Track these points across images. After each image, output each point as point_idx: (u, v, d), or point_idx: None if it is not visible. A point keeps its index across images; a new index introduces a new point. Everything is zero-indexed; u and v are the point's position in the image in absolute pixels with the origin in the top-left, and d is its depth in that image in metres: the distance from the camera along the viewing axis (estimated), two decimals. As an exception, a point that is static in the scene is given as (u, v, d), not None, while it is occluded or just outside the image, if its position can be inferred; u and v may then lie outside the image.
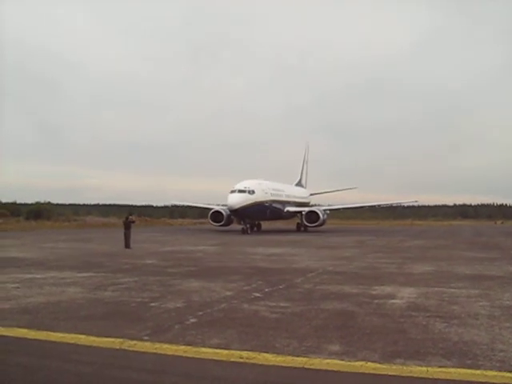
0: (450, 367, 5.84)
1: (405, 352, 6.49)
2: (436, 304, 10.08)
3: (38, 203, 69.66)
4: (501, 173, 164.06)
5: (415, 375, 5.61)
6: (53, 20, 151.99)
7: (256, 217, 45.25)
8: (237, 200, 41.18)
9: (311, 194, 64.33)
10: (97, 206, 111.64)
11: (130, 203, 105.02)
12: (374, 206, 64.60)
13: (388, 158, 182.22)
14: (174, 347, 6.73)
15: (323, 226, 48.94)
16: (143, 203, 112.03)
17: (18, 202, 73.38)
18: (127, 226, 26.66)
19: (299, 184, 65.30)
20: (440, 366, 5.86)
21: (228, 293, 11.42)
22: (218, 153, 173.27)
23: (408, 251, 25.08)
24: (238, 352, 6.48)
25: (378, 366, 5.92)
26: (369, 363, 6.01)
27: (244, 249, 25.70)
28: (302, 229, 50.06)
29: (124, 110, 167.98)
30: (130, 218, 27.62)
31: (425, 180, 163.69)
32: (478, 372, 5.67)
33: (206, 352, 6.52)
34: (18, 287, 12.30)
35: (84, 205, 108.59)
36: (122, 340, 7.09)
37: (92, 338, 7.23)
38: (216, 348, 6.70)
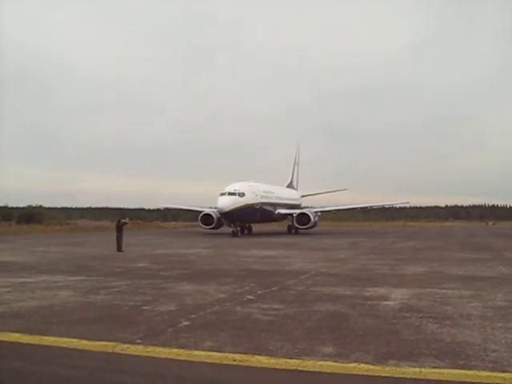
0: (443, 368, 5.86)
1: (398, 353, 6.50)
2: (428, 305, 10.11)
3: (29, 207, 69.21)
4: (492, 174, 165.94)
5: (408, 376, 5.63)
6: (49, 23, 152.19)
7: (246, 219, 45.13)
8: (227, 203, 41.04)
9: (303, 196, 64.07)
10: (89, 209, 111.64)
11: (123, 206, 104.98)
12: (366, 207, 64.54)
13: (381, 160, 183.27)
14: (167, 350, 6.70)
15: (314, 228, 48.89)
16: (136, 206, 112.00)
17: (9, 205, 73.00)
18: (119, 228, 26.59)
19: (290, 186, 65.03)
20: (433, 367, 5.88)
21: (221, 295, 11.40)
22: (211, 155, 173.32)
23: (400, 252, 25.17)
24: (231, 355, 6.47)
25: (371, 367, 5.93)
26: (362, 365, 6.01)
27: (237, 251, 25.68)
28: (293, 231, 49.94)
29: (117, 113, 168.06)
30: (122, 220, 27.61)
31: (417, 181, 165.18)
32: (471, 372, 5.70)
33: (199, 355, 6.50)
34: (10, 291, 12.22)
35: (76, 208, 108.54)
36: (114, 343, 7.06)
37: (85, 342, 7.19)
38: (209, 351, 6.68)
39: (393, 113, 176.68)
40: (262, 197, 45.94)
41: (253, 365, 6.12)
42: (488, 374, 5.66)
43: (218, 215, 44.58)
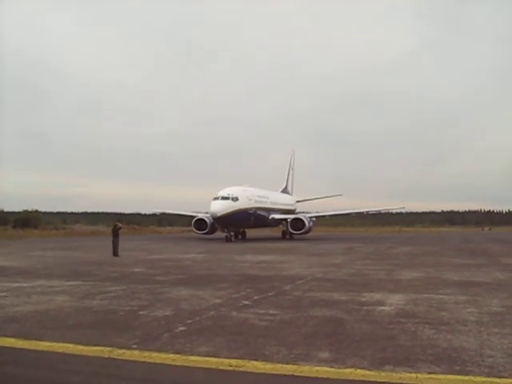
0: (439, 373, 5.86)
1: (394, 359, 6.51)
2: (425, 310, 10.12)
3: (25, 211, 69.03)
4: (488, 180, 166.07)
5: (404, 382, 5.63)
6: (41, 27, 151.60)
7: (240, 224, 44.45)
8: (219, 207, 40.52)
9: (298, 201, 63.78)
10: (85, 214, 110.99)
11: (118, 211, 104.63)
12: (362, 212, 64.46)
13: (377, 166, 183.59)
14: (163, 355, 6.69)
15: (309, 234, 48.66)
16: (132, 211, 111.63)
17: (5, 210, 72.77)
18: (115, 233, 26.56)
19: (285, 191, 64.58)
20: (429, 373, 5.89)
21: (217, 300, 11.38)
22: (208, 161, 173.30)
23: (396, 258, 25.21)
24: (227, 360, 6.46)
25: (368, 372, 5.93)
26: (358, 370, 6.01)
27: (232, 256, 25.66)
28: (288, 236, 49.52)
29: (112, 118, 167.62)
30: (118, 225, 27.61)
31: (413, 187, 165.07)
32: (467, 378, 5.70)
33: (195, 360, 6.49)
34: (6, 296, 12.17)
35: (72, 213, 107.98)
36: (110, 349, 7.04)
37: (80, 347, 7.17)
38: (205, 356, 6.66)
39: (389, 118, 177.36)
40: (256, 201, 45.43)
41: (249, 370, 6.11)
42: (484, 379, 5.67)
43: (212, 220, 44.03)
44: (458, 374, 5.82)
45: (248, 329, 8.40)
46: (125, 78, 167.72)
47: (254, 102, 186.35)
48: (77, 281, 15.17)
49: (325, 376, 5.86)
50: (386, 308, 10.42)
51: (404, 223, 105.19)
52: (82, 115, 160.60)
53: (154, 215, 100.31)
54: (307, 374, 5.92)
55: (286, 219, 49.66)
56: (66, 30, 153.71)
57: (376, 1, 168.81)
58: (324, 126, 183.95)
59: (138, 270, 18.80)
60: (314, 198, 68.24)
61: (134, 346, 7.19)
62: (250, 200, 44.12)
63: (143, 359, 6.58)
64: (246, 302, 11.13)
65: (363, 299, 11.62)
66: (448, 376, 5.77)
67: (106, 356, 6.78)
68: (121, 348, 7.08)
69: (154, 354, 6.74)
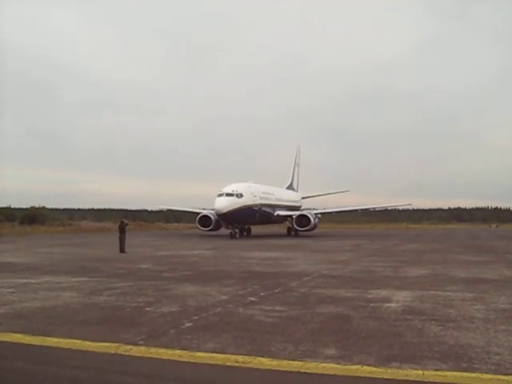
0: (445, 370, 5.86)
1: (400, 355, 6.50)
2: (431, 307, 10.10)
3: (32, 208, 69.27)
4: (496, 177, 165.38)
5: (411, 379, 5.62)
6: (49, 26, 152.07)
7: (244, 221, 44.28)
8: (224, 204, 40.24)
9: (303, 198, 63.46)
10: (91, 210, 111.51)
11: (125, 208, 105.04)
12: (368, 209, 64.24)
13: (383, 162, 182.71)
14: (170, 352, 6.71)
15: (315, 230, 48.33)
16: (138, 208, 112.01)
17: (12, 206, 73.14)
18: (122, 230, 26.62)
19: (290, 187, 64.36)
20: (436, 370, 5.88)
21: (223, 297, 11.40)
22: (214, 157, 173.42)
23: (403, 255, 25.15)
24: (234, 356, 6.48)
25: (374, 369, 5.93)
26: (364, 367, 6.01)
27: (238, 253, 25.68)
28: (293, 233, 49.42)
29: (120, 116, 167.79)
30: (125, 221, 27.71)
31: (420, 183, 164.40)
32: (474, 375, 5.69)
33: (202, 356, 6.51)
34: (13, 292, 12.25)
35: (79, 209, 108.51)
36: (117, 345, 7.07)
37: (87, 343, 7.21)
38: (211, 352, 6.69)
39: (395, 114, 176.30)
40: (261, 198, 45.24)
41: (255, 366, 6.12)
42: (491, 376, 5.65)
43: (216, 217, 43.87)
44: (465, 371, 5.81)
45: (254, 325, 8.41)
46: (129, 74, 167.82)
47: (260, 98, 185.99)
48: (84, 277, 15.24)
49: (331, 373, 5.86)
50: (393, 305, 10.40)
51: (411, 220, 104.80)
52: (88, 111, 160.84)
53: (160, 212, 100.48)
54: (314, 371, 5.93)
55: (291, 216, 49.41)
56: (75, 27, 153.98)
57: (376, 1, 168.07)
58: (330, 122, 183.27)
59: (144, 266, 18.85)
60: (321, 195, 68.04)
61: (141, 342, 7.22)
62: (255, 196, 43.88)
63: (150, 355, 6.60)
64: (253, 299, 11.14)
65: (370, 296, 11.60)
66: (454, 373, 5.76)
67: (113, 352, 6.81)
68: (128, 344, 7.11)
69: (161, 350, 6.77)
